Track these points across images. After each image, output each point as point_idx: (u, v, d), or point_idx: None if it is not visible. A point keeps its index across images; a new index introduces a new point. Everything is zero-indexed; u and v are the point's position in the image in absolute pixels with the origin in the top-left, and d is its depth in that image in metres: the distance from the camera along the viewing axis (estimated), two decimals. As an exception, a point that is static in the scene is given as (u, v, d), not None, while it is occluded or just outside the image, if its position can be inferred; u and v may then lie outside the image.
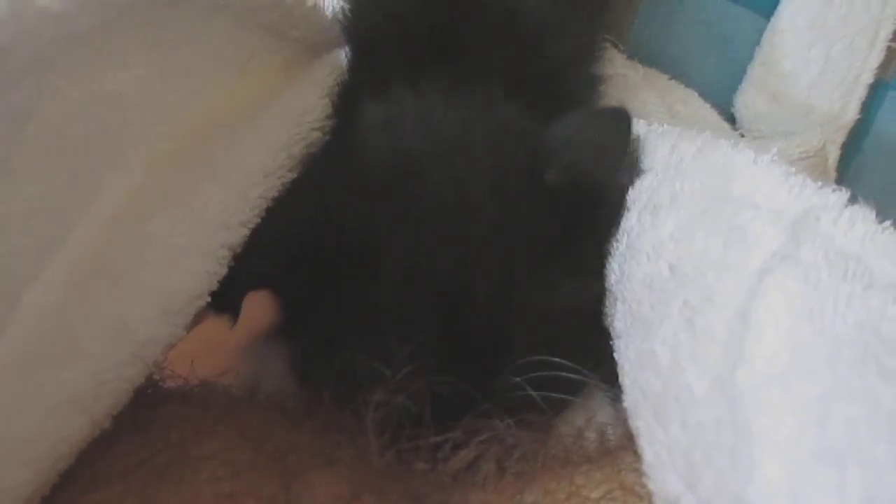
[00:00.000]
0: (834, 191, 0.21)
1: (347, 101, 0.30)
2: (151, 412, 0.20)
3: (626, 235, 0.24)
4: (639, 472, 0.19)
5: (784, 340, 0.17)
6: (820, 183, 0.22)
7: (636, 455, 0.20)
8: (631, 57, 0.42)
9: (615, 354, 0.22)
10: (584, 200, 0.26)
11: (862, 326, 0.16)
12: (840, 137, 0.42)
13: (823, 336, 0.16)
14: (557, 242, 0.26)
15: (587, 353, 0.23)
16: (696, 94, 0.41)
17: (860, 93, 0.41)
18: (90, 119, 0.24)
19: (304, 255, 0.25)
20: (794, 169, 0.22)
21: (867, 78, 0.41)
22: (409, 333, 0.22)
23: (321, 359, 0.24)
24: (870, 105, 0.42)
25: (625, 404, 0.20)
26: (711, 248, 0.20)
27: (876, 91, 0.42)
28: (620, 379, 0.21)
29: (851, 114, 0.41)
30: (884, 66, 0.41)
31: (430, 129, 0.27)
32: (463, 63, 0.29)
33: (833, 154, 0.41)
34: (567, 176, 0.26)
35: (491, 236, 0.25)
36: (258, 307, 0.26)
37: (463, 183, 0.26)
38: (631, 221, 0.24)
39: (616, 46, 0.42)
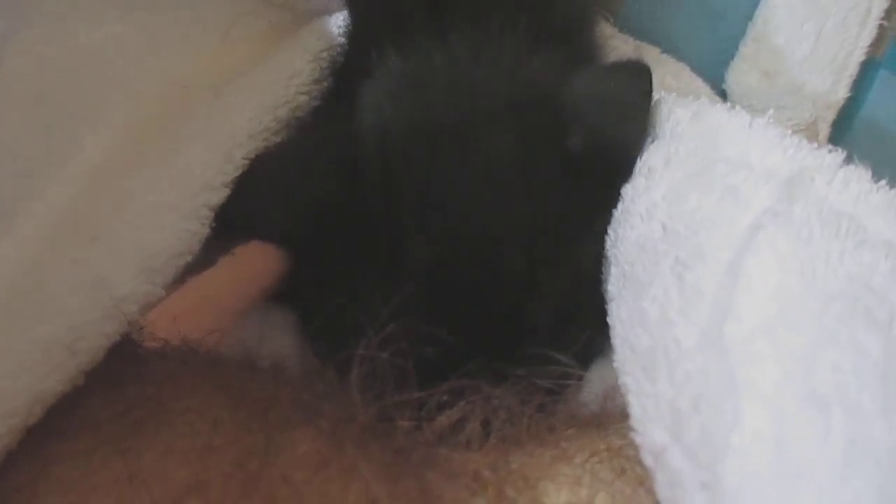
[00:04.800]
0: (830, 151, 0.21)
1: (357, 58, 0.29)
2: (127, 368, 0.19)
3: (620, 200, 0.24)
4: (625, 436, 0.19)
5: (773, 294, 0.16)
6: (815, 144, 0.21)
7: (623, 419, 0.19)
8: (621, 31, 0.41)
9: (608, 318, 0.22)
10: (606, 168, 0.25)
11: (853, 280, 0.16)
12: (830, 115, 0.41)
13: (813, 290, 0.16)
14: (580, 212, 0.25)
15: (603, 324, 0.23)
16: (688, 69, 0.41)
17: (851, 70, 0.41)
18: (64, 75, 0.23)
19: (320, 216, 0.25)
20: (789, 132, 0.22)
21: (858, 56, 0.41)
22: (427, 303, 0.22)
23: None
24: (860, 84, 0.42)
25: (615, 364, 0.20)
26: (704, 207, 0.20)
27: (867, 70, 0.41)
28: (612, 340, 0.20)
29: (842, 92, 0.41)
30: (875, 45, 0.41)
31: (461, 89, 0.26)
32: (488, 18, 0.28)
33: (823, 132, 0.41)
34: (589, 141, 0.25)
35: (518, 206, 0.25)
36: (262, 261, 0.25)
37: (492, 148, 0.25)
38: (626, 185, 0.24)
39: (606, 20, 0.41)
